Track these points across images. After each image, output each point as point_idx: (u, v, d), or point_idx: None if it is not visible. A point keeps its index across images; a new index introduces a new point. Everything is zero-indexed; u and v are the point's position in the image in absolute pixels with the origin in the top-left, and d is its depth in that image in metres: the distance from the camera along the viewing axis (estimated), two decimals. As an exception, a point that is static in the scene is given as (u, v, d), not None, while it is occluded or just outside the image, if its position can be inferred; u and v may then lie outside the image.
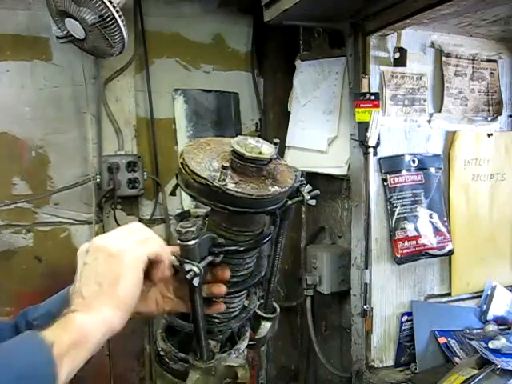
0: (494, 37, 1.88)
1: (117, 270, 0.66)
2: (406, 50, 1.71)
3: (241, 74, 2.34)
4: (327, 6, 1.61)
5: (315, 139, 2.01)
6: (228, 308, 0.82)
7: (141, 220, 2.16)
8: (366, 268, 1.74)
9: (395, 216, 1.75)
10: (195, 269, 0.70)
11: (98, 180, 2.04)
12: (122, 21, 1.63)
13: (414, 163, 1.80)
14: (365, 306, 1.74)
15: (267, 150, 0.74)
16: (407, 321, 1.80)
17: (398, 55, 1.71)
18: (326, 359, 2.05)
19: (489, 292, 1.89)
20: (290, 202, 0.80)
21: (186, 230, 0.69)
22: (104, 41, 1.68)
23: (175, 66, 2.23)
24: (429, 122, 1.84)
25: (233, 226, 0.77)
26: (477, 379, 1.47)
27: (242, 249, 0.78)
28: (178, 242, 0.70)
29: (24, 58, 2.01)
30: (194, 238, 0.70)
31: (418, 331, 1.76)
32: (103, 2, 1.56)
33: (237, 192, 0.70)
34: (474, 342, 1.69)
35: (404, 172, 1.78)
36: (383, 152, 1.76)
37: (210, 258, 0.73)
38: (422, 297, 1.86)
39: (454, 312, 1.85)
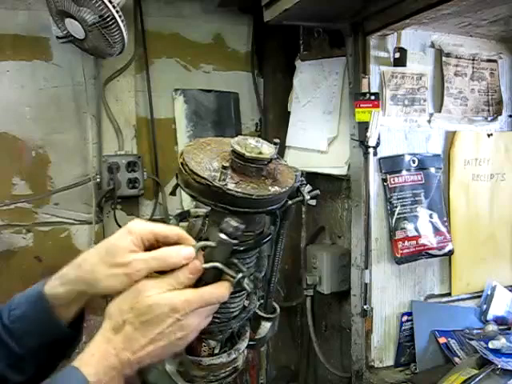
0: (494, 37, 1.88)
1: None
2: (406, 50, 1.71)
3: (241, 74, 2.34)
4: (327, 6, 1.61)
5: (315, 139, 2.01)
6: (228, 308, 0.83)
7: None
8: (366, 268, 1.74)
9: (395, 216, 1.75)
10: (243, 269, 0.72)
11: (98, 180, 2.04)
12: (122, 21, 1.63)
13: (414, 163, 1.80)
14: (365, 306, 1.74)
15: (267, 150, 0.74)
16: (407, 321, 1.80)
17: (397, 55, 1.71)
18: (325, 359, 2.05)
19: (489, 292, 1.89)
20: (290, 202, 0.80)
21: (237, 225, 0.68)
22: (104, 41, 1.68)
23: (175, 66, 2.23)
24: (429, 121, 1.84)
25: (233, 226, 0.77)
26: (477, 379, 1.47)
27: (241, 249, 0.78)
28: (225, 238, 0.68)
29: (24, 58, 2.01)
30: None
31: (418, 331, 1.76)
32: (103, 2, 1.56)
33: (237, 192, 0.70)
34: (474, 342, 1.69)
35: (404, 172, 1.78)
36: (383, 152, 1.76)
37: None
38: (422, 297, 1.86)
39: (454, 312, 1.85)
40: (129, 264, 0.68)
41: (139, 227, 0.71)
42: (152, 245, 0.72)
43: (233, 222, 0.68)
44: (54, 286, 0.76)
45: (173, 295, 0.68)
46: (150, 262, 0.69)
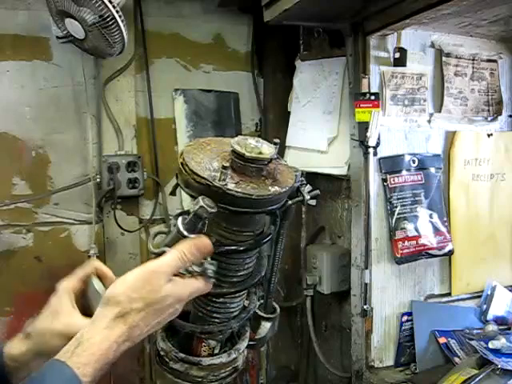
0: (494, 37, 1.88)
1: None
2: (406, 50, 1.71)
3: (241, 74, 2.33)
4: (327, 6, 1.61)
5: (315, 139, 2.01)
6: (228, 308, 0.83)
7: (141, 220, 2.16)
8: (366, 268, 1.74)
9: (395, 216, 1.75)
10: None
11: (98, 180, 2.04)
12: (122, 21, 1.63)
13: (414, 163, 1.80)
14: (365, 306, 1.74)
15: (267, 149, 0.75)
16: (407, 321, 1.80)
17: (397, 55, 1.71)
18: (325, 359, 2.05)
19: (489, 292, 1.89)
20: (290, 202, 0.80)
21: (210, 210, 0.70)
22: (104, 41, 1.68)
23: (175, 66, 2.23)
24: (429, 121, 1.84)
25: (233, 226, 0.77)
26: (477, 379, 1.47)
27: (241, 249, 0.78)
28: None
29: (24, 58, 2.01)
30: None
31: (418, 331, 1.76)
32: (103, 2, 1.56)
33: (237, 192, 0.70)
34: (474, 342, 1.69)
35: (404, 172, 1.78)
36: (383, 152, 1.76)
37: None
38: (422, 297, 1.86)
39: (454, 312, 1.85)
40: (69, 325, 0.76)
41: (65, 286, 0.81)
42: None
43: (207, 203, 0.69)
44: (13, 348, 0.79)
45: (181, 288, 0.71)
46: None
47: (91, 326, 0.68)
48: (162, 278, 0.69)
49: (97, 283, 0.82)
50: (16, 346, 0.79)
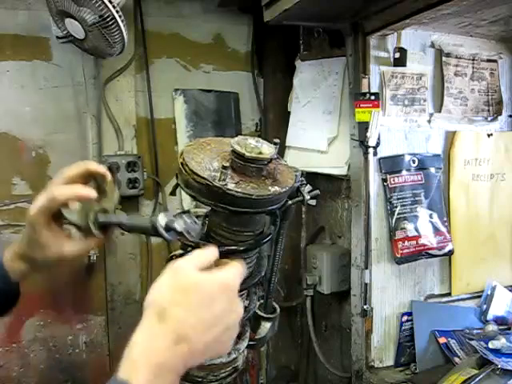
0: (494, 37, 1.88)
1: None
2: (406, 50, 1.71)
3: (241, 74, 2.34)
4: (327, 6, 1.61)
5: (315, 139, 2.01)
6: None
7: (141, 220, 2.16)
8: (366, 268, 1.74)
9: (395, 216, 1.75)
10: None
11: (98, 180, 2.04)
12: (122, 21, 1.63)
13: (414, 163, 1.80)
14: (365, 306, 1.74)
15: (267, 149, 0.75)
16: (407, 321, 1.80)
17: (397, 55, 1.71)
18: (325, 359, 2.05)
19: (489, 292, 1.89)
20: (290, 202, 0.80)
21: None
22: (104, 41, 1.68)
23: (175, 66, 2.23)
24: (429, 121, 1.84)
25: (233, 226, 0.77)
26: (477, 379, 1.47)
27: (241, 249, 0.78)
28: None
29: (24, 58, 2.01)
30: None
31: (418, 331, 1.76)
32: (103, 2, 1.56)
33: (237, 192, 0.70)
34: (474, 342, 1.69)
35: (404, 172, 1.78)
36: (383, 152, 1.76)
37: None
38: (422, 297, 1.86)
39: (454, 312, 1.85)
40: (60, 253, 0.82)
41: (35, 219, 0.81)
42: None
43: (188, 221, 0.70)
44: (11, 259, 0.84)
45: (218, 272, 0.63)
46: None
47: (135, 333, 0.60)
48: (186, 268, 0.62)
49: (68, 214, 0.84)
50: (16, 264, 0.83)
